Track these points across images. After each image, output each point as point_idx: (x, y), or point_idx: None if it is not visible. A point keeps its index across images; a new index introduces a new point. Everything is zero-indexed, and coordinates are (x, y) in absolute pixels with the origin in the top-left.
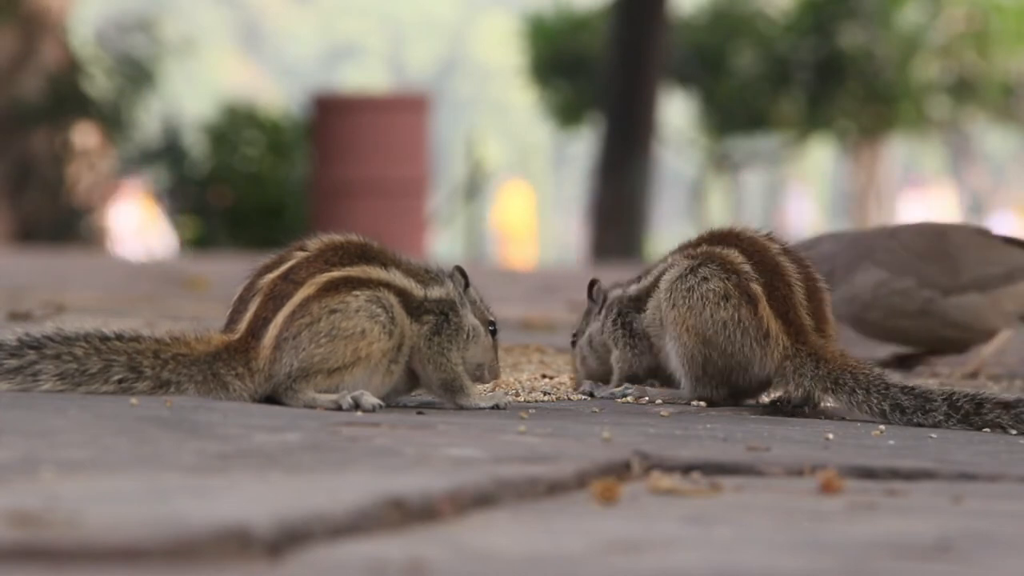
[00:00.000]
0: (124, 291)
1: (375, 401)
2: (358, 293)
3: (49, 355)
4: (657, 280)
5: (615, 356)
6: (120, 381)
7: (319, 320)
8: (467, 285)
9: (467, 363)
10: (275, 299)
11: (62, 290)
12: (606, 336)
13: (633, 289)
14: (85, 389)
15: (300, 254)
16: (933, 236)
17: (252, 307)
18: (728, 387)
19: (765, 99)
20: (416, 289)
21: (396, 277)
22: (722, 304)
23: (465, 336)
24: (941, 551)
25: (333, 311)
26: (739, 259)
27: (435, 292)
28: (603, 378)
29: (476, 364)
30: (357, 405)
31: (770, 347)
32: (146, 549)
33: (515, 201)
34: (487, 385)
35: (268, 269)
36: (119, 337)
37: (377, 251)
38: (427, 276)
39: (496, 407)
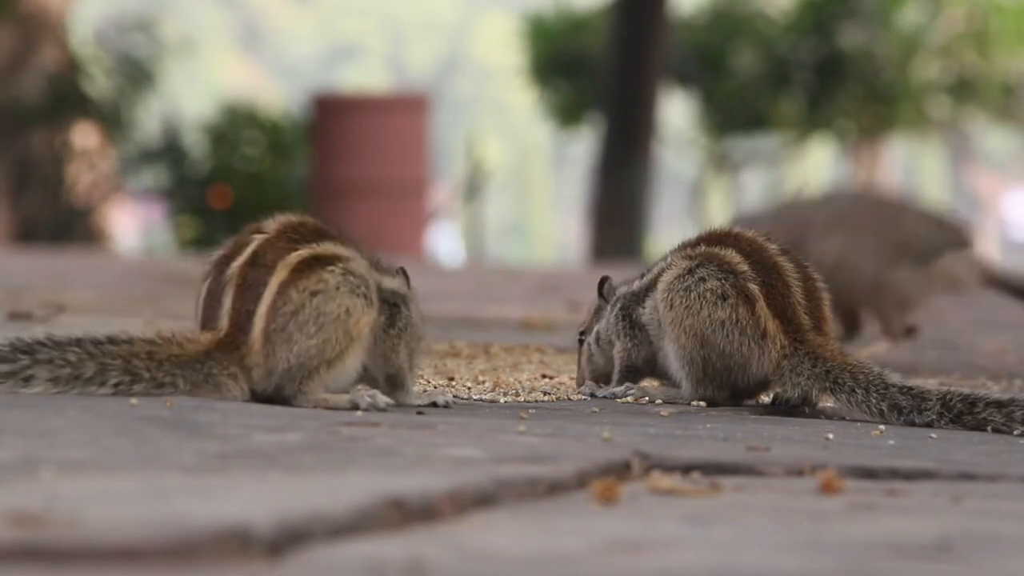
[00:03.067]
0: (124, 291)
1: (389, 400)
2: (332, 268)
3: (42, 360)
4: (656, 278)
5: (616, 348)
6: (116, 384)
7: (303, 307)
8: (409, 287)
9: (411, 359)
10: (250, 288)
11: (62, 290)
12: (610, 331)
13: (636, 285)
14: (80, 392)
15: (260, 236)
16: (872, 205)
17: (227, 301)
18: (729, 388)
19: (765, 99)
20: (375, 275)
21: (358, 257)
22: (719, 304)
23: (414, 333)
24: (941, 551)
25: (314, 293)
26: (737, 259)
27: (389, 282)
28: (607, 377)
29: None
30: (373, 404)
31: (767, 346)
32: (146, 549)
33: None
34: (489, 387)
35: (230, 258)
36: (111, 340)
37: (335, 232)
38: (381, 265)
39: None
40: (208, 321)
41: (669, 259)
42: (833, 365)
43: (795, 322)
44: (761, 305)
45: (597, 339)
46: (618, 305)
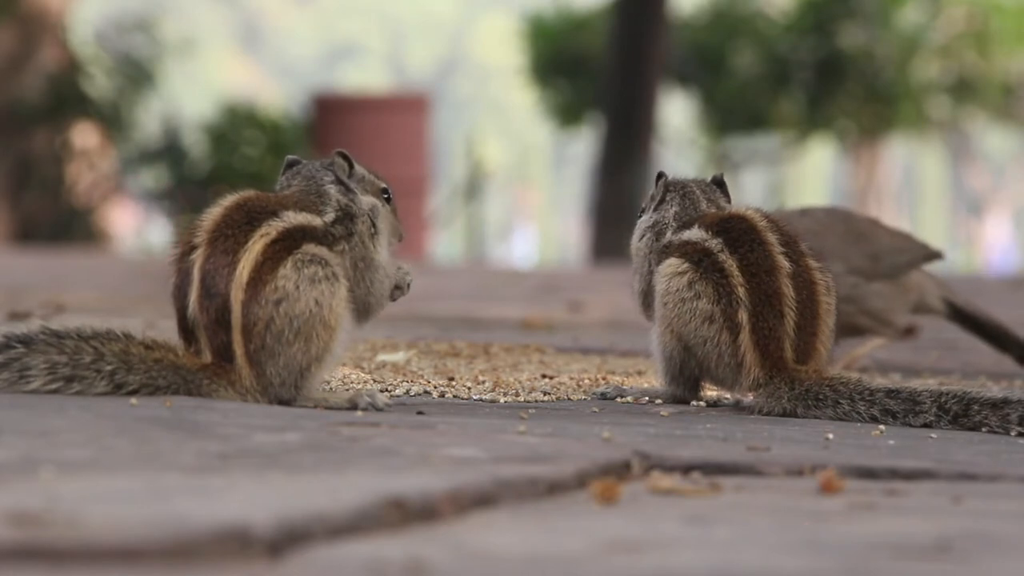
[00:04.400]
0: (124, 291)
1: (388, 401)
2: (284, 271)
3: (38, 349)
4: (680, 246)
5: (635, 279)
6: (113, 373)
7: (272, 320)
8: (352, 166)
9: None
10: (217, 322)
11: (62, 290)
12: (639, 252)
13: (667, 237)
14: (78, 386)
15: (199, 255)
16: (844, 219)
17: (201, 335)
18: (700, 388)
19: (765, 99)
20: (314, 220)
21: (292, 218)
22: (706, 324)
23: (374, 230)
24: (941, 551)
25: (277, 303)
26: (738, 279)
27: (330, 213)
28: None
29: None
30: (373, 404)
31: (742, 375)
32: (146, 549)
33: None
34: (489, 387)
35: (182, 291)
36: (109, 334)
37: (257, 203)
38: (317, 200)
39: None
40: (193, 346)
41: (696, 229)
42: (811, 384)
43: (776, 356)
44: (745, 336)
45: (655, 227)
46: (653, 244)
